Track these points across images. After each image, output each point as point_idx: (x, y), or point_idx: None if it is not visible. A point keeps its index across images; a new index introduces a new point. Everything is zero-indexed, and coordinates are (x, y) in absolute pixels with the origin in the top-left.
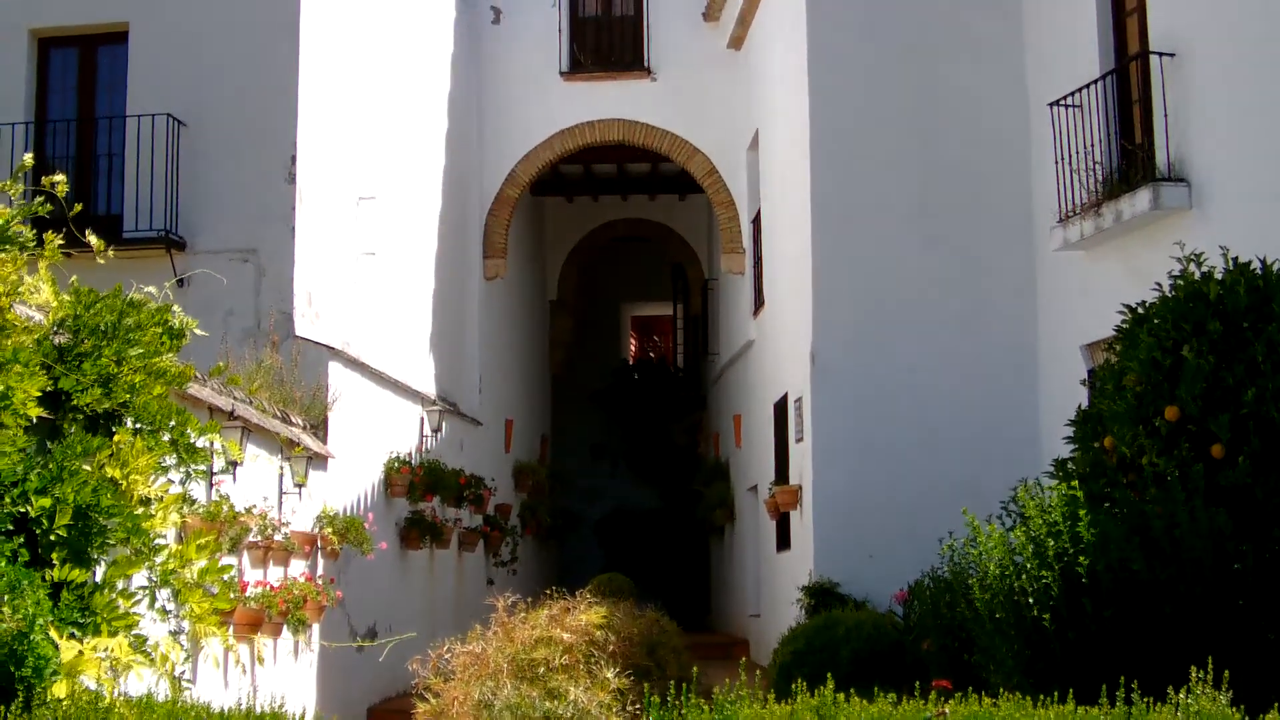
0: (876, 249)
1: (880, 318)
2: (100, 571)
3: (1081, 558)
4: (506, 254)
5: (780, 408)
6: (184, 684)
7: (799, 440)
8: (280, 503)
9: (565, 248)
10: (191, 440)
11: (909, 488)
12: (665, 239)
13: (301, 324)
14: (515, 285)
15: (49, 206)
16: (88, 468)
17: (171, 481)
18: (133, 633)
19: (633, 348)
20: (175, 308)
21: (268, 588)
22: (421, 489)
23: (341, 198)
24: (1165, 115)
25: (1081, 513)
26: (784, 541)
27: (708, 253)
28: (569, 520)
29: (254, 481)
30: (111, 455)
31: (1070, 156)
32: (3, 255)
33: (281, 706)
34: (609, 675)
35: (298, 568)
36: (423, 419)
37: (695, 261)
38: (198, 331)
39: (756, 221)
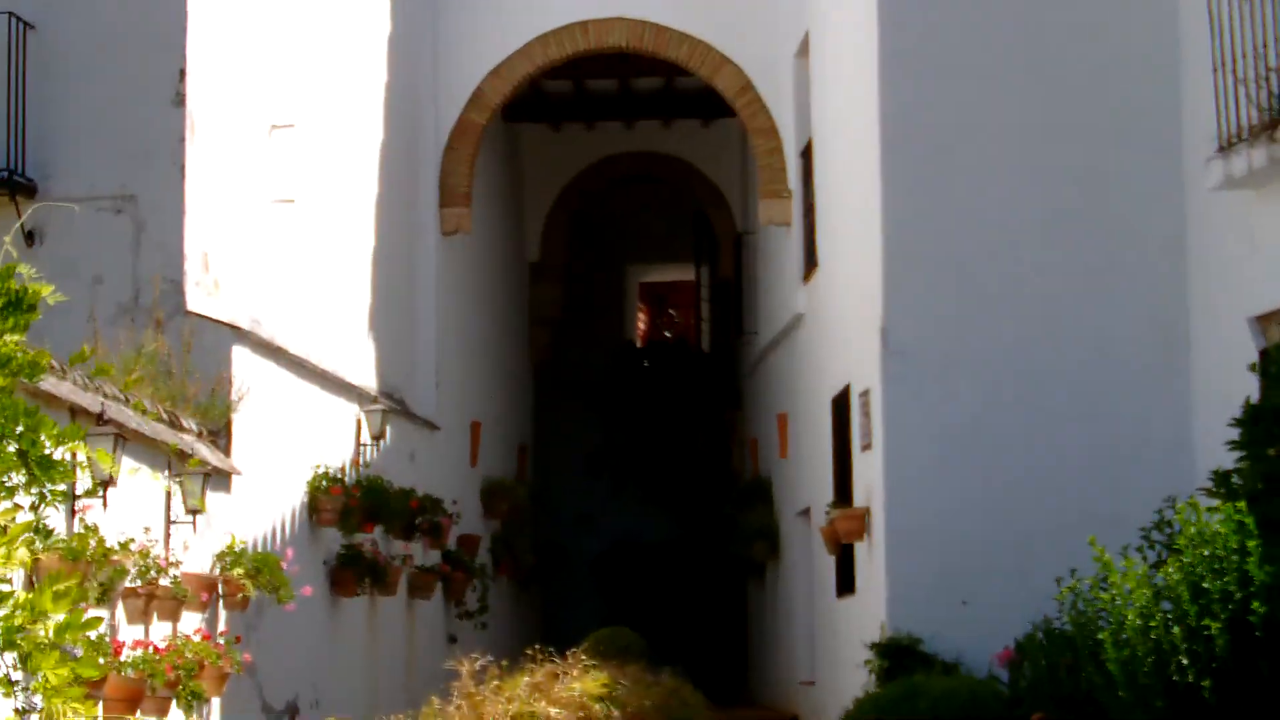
0: (970, 191)
1: (975, 283)
2: None
3: (1254, 603)
4: (471, 201)
5: (840, 404)
6: None
7: (866, 448)
8: (168, 535)
9: (550, 192)
10: (46, 451)
11: (1015, 510)
12: (684, 179)
13: (196, 296)
14: (483, 243)
15: None
16: None
17: (19, 507)
18: None
19: (641, 325)
20: (21, 270)
21: (150, 650)
22: (359, 516)
23: (249, 127)
24: None
25: (1251, 544)
26: (846, 584)
27: (741, 197)
28: (557, 556)
29: (132, 507)
30: None
31: (1234, 62)
32: None
33: None
34: None
35: (191, 622)
36: (360, 422)
37: (724, 209)
38: (53, 302)
39: (807, 154)
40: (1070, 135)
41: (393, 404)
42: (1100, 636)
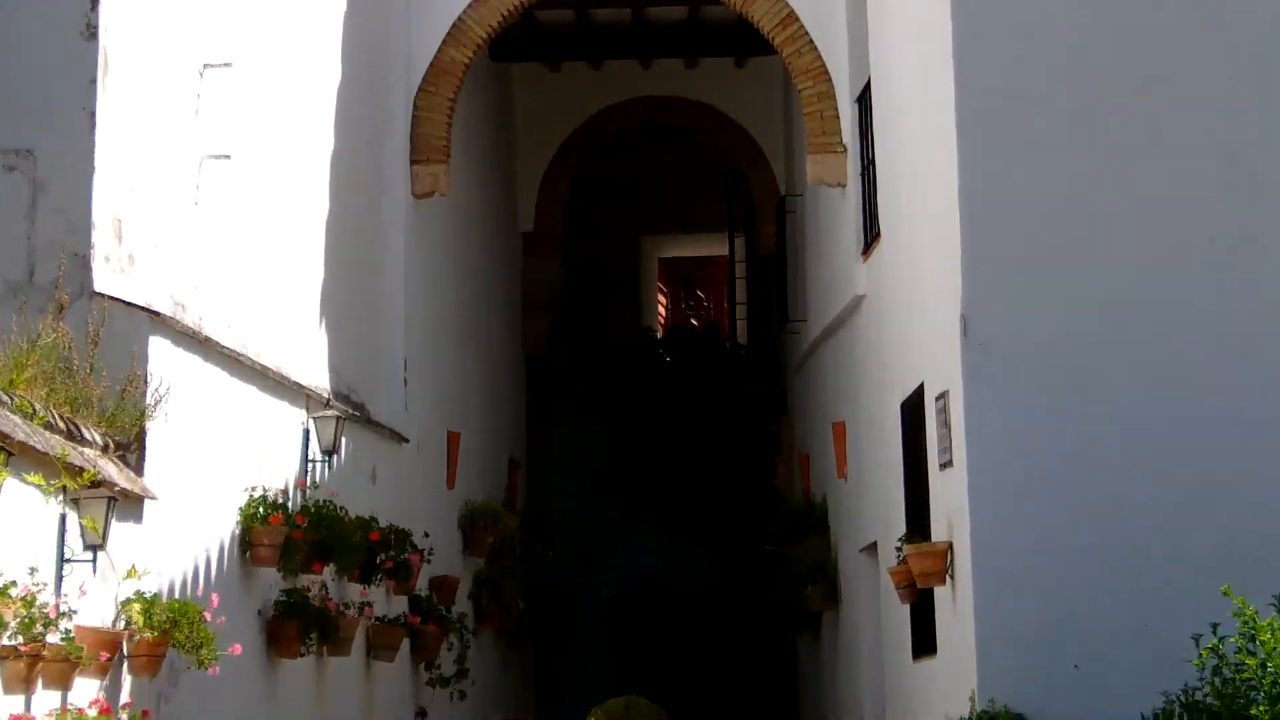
0: (1073, 142)
1: (1081, 257)
2: None
3: None
4: (449, 157)
5: (913, 410)
6: None
7: (946, 465)
8: (59, 577)
9: (548, 147)
10: None
11: (1140, 546)
12: (713, 131)
13: (105, 274)
14: (465, 209)
15: None
16: None
17: None
18: None
19: (662, 311)
20: None
21: None
22: (305, 552)
23: (175, 66)
24: None
25: None
26: (925, 641)
27: (784, 153)
28: (556, 604)
29: (14, 541)
30: None
31: None
32: None
33: None
34: None
35: (87, 691)
36: (308, 432)
37: (764, 167)
38: None
39: (864, 100)
40: (1200, 71)
41: (350, 409)
42: (1254, 712)
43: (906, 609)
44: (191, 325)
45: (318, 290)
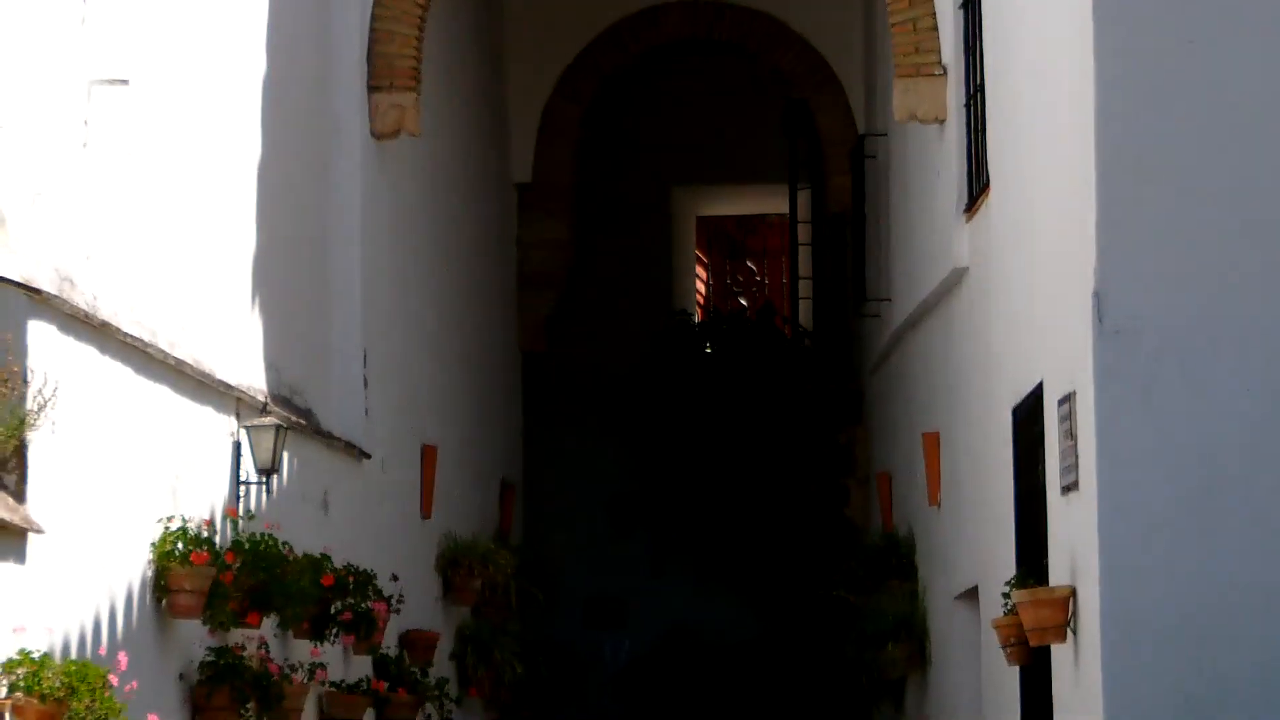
0: (1240, 72)
1: (1246, 223)
2: None
3: None
4: (418, 83)
5: (1029, 418)
6: None
7: (1069, 489)
8: None
9: (550, 73)
10: None
11: None
12: (769, 49)
13: None
14: (441, 154)
15: None
16: None
17: None
18: None
19: (701, 288)
20: None
21: None
22: (238, 600)
23: None
24: None
25: None
26: (1039, 713)
27: (863, 78)
28: (563, 666)
29: None
30: None
31: None
32: None
33: None
34: None
35: None
36: (239, 445)
37: (837, 98)
38: None
39: (971, 8)
40: None
41: (293, 416)
42: None
43: (1015, 672)
44: (84, 306)
45: (249, 261)
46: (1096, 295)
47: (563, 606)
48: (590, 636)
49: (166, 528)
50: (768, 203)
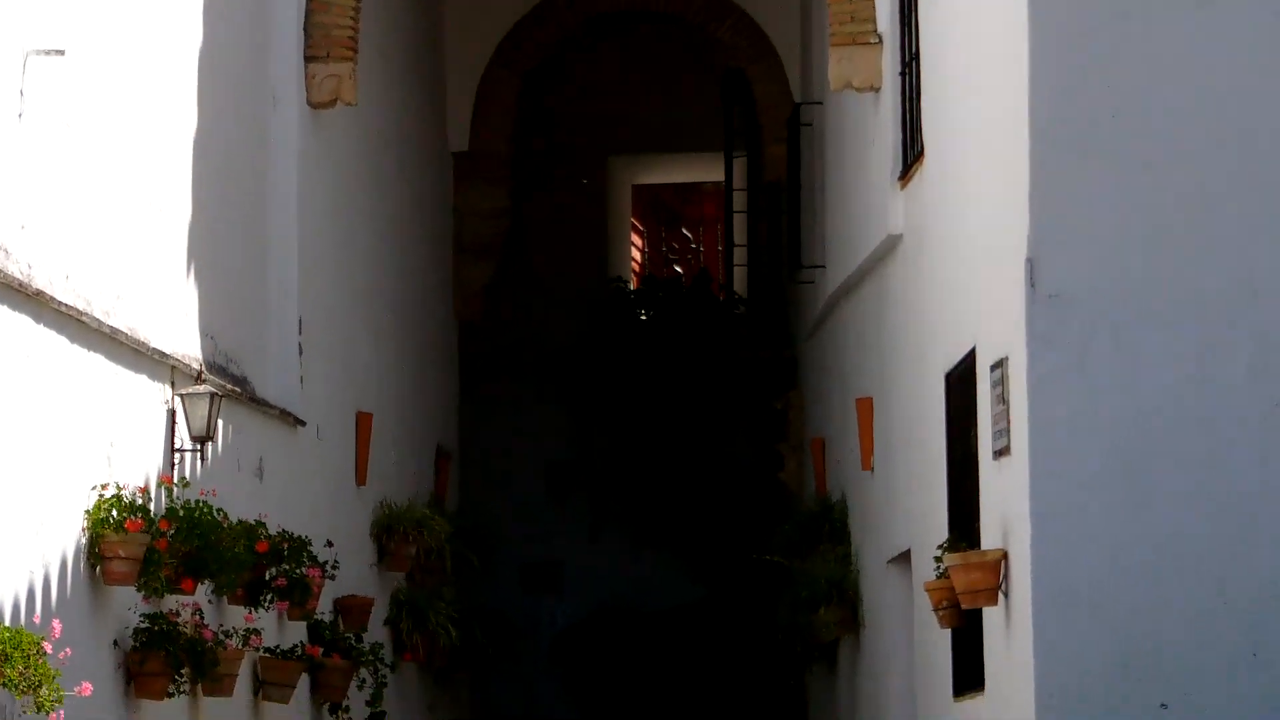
0: (1176, 37)
1: (1180, 187)
2: None
3: None
4: (355, 53)
5: (961, 384)
6: None
7: (1001, 454)
8: None
9: (488, 41)
10: None
11: (1244, 555)
12: (708, 17)
13: None
14: (377, 123)
15: None
16: None
17: None
18: None
19: (637, 256)
20: None
21: None
22: (172, 567)
23: None
24: None
25: None
26: (970, 675)
27: (799, 48)
28: (499, 632)
29: None
30: None
31: None
32: None
33: None
34: None
35: None
36: (174, 413)
37: (773, 67)
38: None
39: None
40: None
41: (228, 384)
42: None
43: (947, 635)
44: (18, 276)
45: (184, 230)
46: (1029, 262)
47: (499, 572)
48: (527, 602)
49: (101, 495)
50: (704, 171)
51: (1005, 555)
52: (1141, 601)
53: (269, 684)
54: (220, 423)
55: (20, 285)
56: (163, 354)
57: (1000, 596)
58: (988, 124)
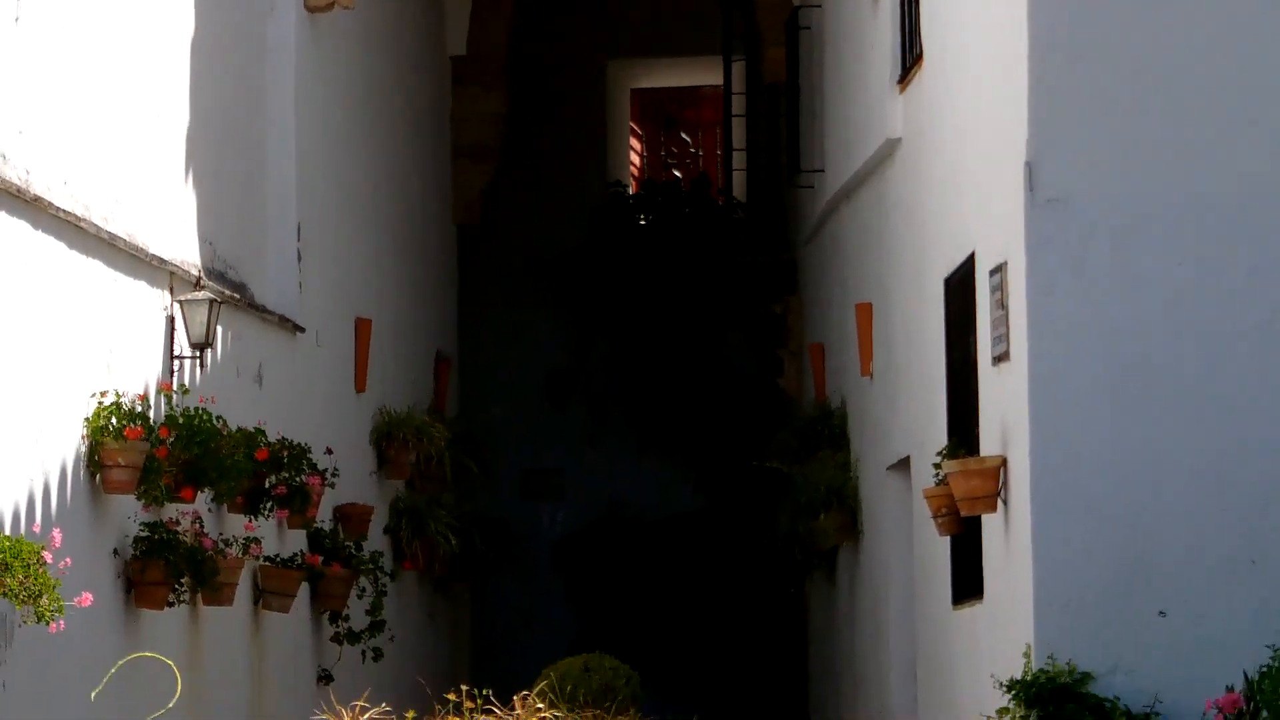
0: None
1: (1183, 90)
2: None
3: None
4: None
5: (960, 289)
6: None
7: (1000, 360)
8: None
9: None
10: None
11: (1243, 463)
12: None
13: None
14: (376, 26)
15: None
16: None
17: None
18: None
19: (636, 160)
20: None
21: None
22: (172, 475)
23: None
24: None
25: None
26: (969, 583)
27: None
28: (499, 540)
29: None
30: None
31: None
32: None
33: None
34: None
35: None
36: (173, 320)
37: None
38: None
39: None
40: None
41: (227, 290)
42: None
43: (946, 542)
44: (16, 181)
45: (182, 136)
46: (1028, 166)
47: (499, 479)
48: (526, 509)
49: (100, 403)
50: (702, 75)
51: (1004, 462)
52: (1140, 508)
53: (269, 593)
54: (219, 329)
55: (18, 191)
56: (161, 260)
57: (999, 503)
58: (987, 27)
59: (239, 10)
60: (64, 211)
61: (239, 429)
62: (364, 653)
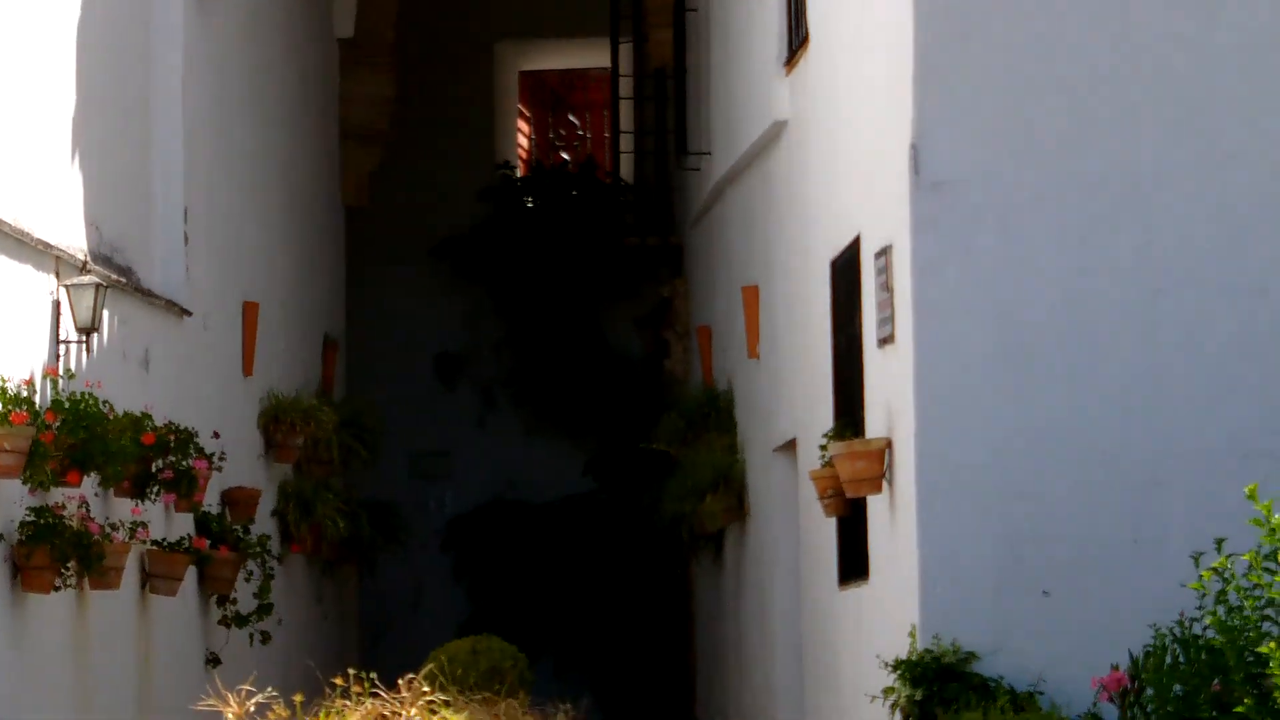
0: None
1: (1067, 71)
2: None
3: None
4: None
5: (845, 271)
6: None
7: (885, 341)
8: None
9: None
10: None
11: (1127, 442)
12: None
13: None
14: (263, 8)
15: None
16: None
17: None
18: None
19: (524, 142)
20: None
21: None
22: (58, 459)
23: None
24: None
25: None
26: (854, 563)
27: None
28: (387, 522)
29: None
30: None
31: None
32: None
33: None
34: None
35: None
36: (59, 304)
37: None
38: None
39: None
40: None
41: (114, 274)
42: (1266, 649)
43: (832, 524)
44: None
45: (68, 119)
46: (913, 149)
47: (387, 462)
48: (415, 491)
49: None
50: (590, 57)
51: (889, 443)
52: (1024, 489)
53: (156, 576)
54: (106, 314)
55: None
56: (47, 244)
57: (885, 485)
58: (873, 9)
59: None
60: None
61: (126, 413)
62: (251, 636)
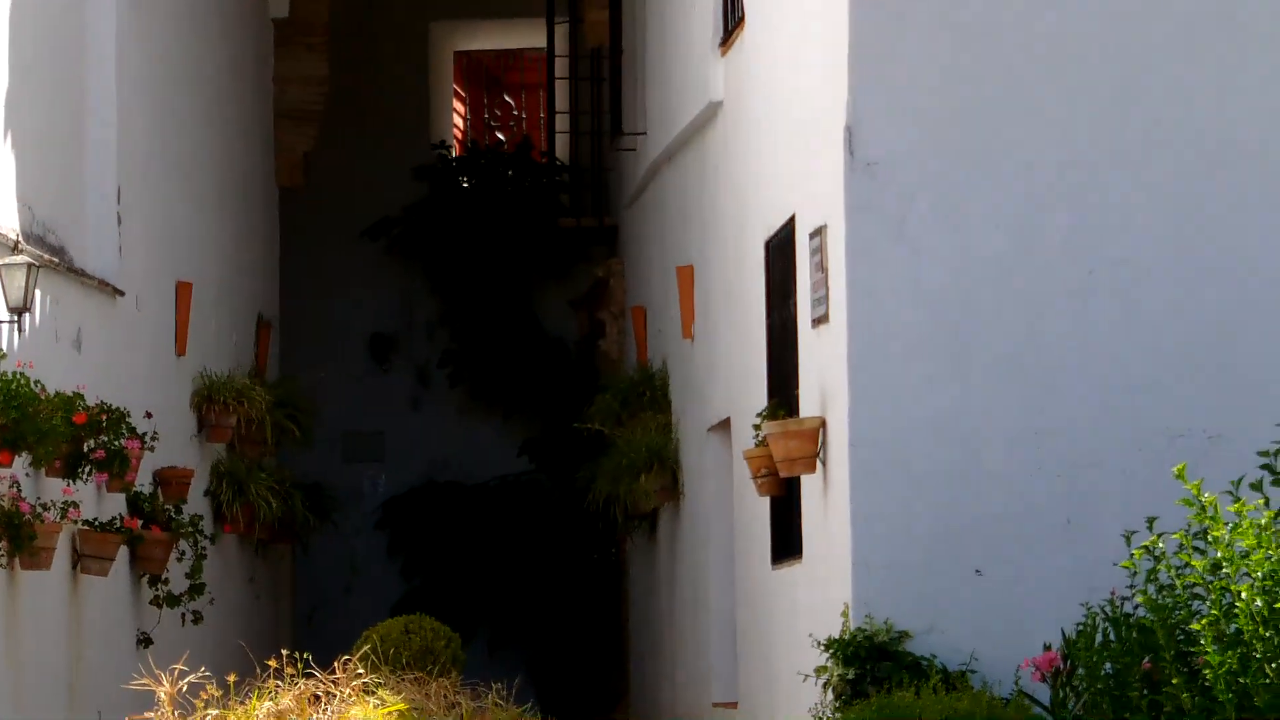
0: None
1: (1002, 51)
2: None
3: None
4: None
5: (779, 251)
6: None
7: (819, 321)
8: None
9: None
10: None
11: (1060, 423)
12: None
13: None
14: None
15: None
16: None
17: None
18: None
19: (459, 123)
20: None
21: None
22: None
23: None
24: None
25: None
26: (788, 543)
27: None
28: (320, 503)
29: None
30: None
31: None
32: None
33: None
34: None
35: None
36: None
37: None
38: None
39: None
40: None
41: (46, 254)
42: (1195, 627)
43: (766, 503)
44: None
45: (0, 99)
46: (848, 129)
47: (321, 442)
48: (348, 472)
49: None
50: (526, 37)
51: (823, 423)
52: (957, 469)
53: (87, 556)
54: (37, 293)
55: None
56: None
57: (818, 464)
58: None
59: None
60: None
61: (57, 393)
62: (184, 616)
